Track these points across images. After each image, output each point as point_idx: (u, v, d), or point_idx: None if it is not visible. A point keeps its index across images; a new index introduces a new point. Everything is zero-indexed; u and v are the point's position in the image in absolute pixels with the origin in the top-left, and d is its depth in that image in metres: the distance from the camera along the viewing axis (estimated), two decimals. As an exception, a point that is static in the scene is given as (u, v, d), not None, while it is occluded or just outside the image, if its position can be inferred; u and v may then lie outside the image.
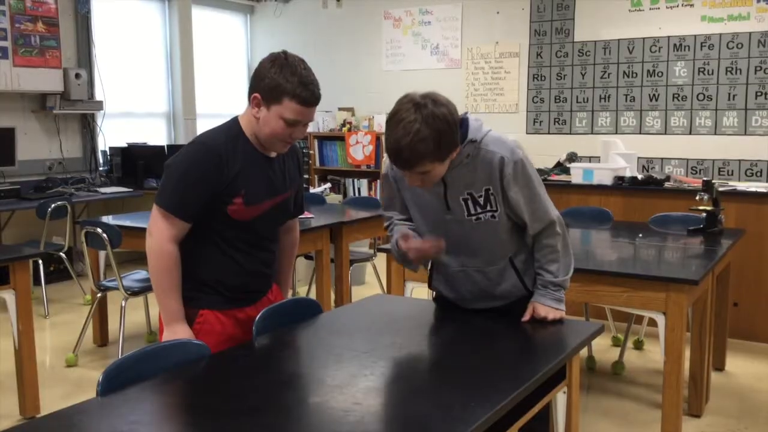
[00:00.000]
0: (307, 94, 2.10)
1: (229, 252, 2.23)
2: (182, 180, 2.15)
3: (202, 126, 7.81)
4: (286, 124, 2.12)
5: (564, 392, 2.12)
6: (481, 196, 2.19)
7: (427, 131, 1.95)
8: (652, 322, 3.11)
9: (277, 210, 2.32)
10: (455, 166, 2.13)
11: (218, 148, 2.15)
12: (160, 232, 2.15)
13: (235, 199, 2.17)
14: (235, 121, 2.24)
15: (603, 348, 4.50)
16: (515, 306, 2.32)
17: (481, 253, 2.28)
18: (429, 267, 2.47)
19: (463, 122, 2.12)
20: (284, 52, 2.14)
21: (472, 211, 2.21)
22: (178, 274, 2.17)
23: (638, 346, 4.53)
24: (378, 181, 7.70)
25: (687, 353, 3.24)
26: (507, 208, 2.21)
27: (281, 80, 2.08)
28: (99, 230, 4.07)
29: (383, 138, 7.53)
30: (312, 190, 6.56)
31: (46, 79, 6.17)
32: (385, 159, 2.28)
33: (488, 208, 2.20)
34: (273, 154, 2.28)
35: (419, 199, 2.26)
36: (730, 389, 3.89)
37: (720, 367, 4.15)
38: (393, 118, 2.01)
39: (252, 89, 2.15)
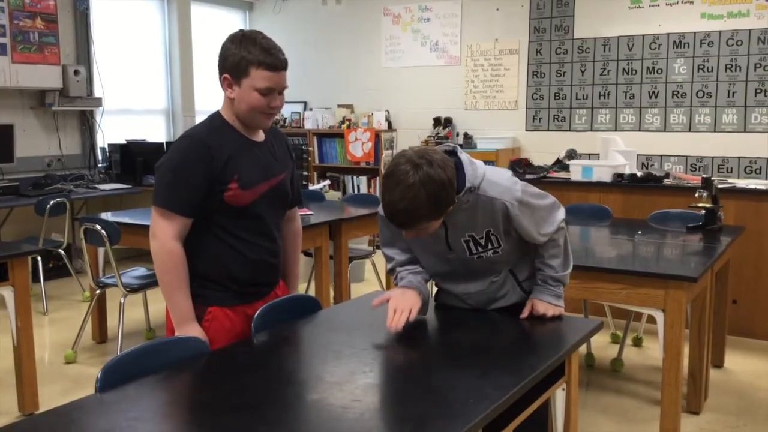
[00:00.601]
0: (272, 59, 2.14)
1: (231, 243, 2.23)
2: (175, 175, 2.16)
3: (201, 123, 7.80)
4: (261, 94, 2.15)
5: (563, 389, 2.12)
6: (482, 238, 2.20)
7: (423, 195, 1.94)
8: (651, 319, 3.11)
9: (275, 193, 2.32)
10: (455, 212, 2.11)
11: (204, 139, 2.17)
12: (162, 231, 2.14)
13: (230, 185, 2.18)
14: (216, 113, 2.27)
15: (602, 345, 4.50)
16: (515, 307, 2.33)
17: (482, 281, 2.31)
18: (435, 287, 2.50)
19: (458, 168, 2.08)
20: (241, 30, 2.20)
21: (474, 251, 2.22)
22: (185, 272, 2.17)
23: (637, 343, 4.53)
24: (377, 178, 7.70)
25: (686, 350, 3.24)
26: (516, 235, 2.21)
27: (244, 53, 2.12)
28: (98, 227, 4.07)
29: (383, 136, 7.55)
30: (311, 187, 6.56)
31: (44, 76, 6.16)
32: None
33: (489, 246, 2.22)
34: (260, 138, 2.30)
35: (421, 239, 2.24)
36: (729, 386, 3.89)
37: (719, 364, 4.15)
38: (390, 179, 1.97)
39: (220, 72, 2.19)
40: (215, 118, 2.26)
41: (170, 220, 2.14)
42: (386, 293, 2.25)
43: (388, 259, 2.38)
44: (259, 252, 2.29)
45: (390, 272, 2.41)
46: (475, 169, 2.13)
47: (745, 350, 4.44)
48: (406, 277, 2.30)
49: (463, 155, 2.14)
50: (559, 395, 2.11)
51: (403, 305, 2.15)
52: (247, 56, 2.12)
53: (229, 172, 2.17)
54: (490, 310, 2.36)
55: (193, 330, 2.15)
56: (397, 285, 2.33)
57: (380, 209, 2.22)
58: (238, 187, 2.19)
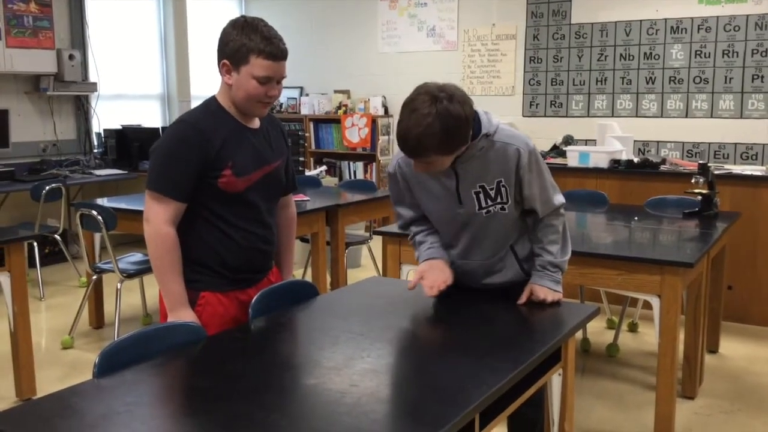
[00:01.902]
0: (273, 48, 2.12)
1: (225, 229, 2.22)
2: (169, 159, 2.15)
3: (197, 108, 7.76)
4: (259, 83, 2.14)
5: (559, 374, 2.12)
6: (492, 189, 2.20)
7: (437, 126, 1.96)
8: (647, 305, 3.12)
9: (269, 180, 2.31)
10: (468, 159, 2.14)
11: (199, 123, 2.17)
12: (156, 216, 2.14)
13: (224, 171, 2.17)
14: (212, 98, 2.26)
15: (597, 330, 4.52)
16: (512, 287, 2.33)
17: (487, 247, 2.31)
18: None
19: (474, 117, 2.12)
20: (243, 16, 2.18)
21: (483, 205, 2.22)
22: (178, 257, 2.16)
23: (632, 328, 4.55)
24: (374, 164, 7.68)
25: (681, 336, 3.25)
26: (519, 197, 2.23)
27: (245, 40, 2.11)
28: (94, 212, 4.06)
29: (379, 121, 7.53)
30: (308, 173, 6.54)
31: (39, 61, 6.12)
32: (393, 157, 2.31)
33: (498, 200, 2.22)
34: (255, 125, 2.29)
35: (431, 193, 2.27)
36: (724, 371, 3.92)
37: (714, 349, 4.17)
38: (407, 107, 2.01)
39: (219, 57, 2.17)
40: (211, 103, 2.24)
41: (164, 204, 2.13)
42: (418, 271, 2.29)
43: (399, 216, 2.41)
44: (252, 239, 2.28)
45: (402, 228, 2.45)
46: (490, 119, 2.18)
47: (740, 335, 4.46)
48: (426, 241, 2.34)
49: (479, 108, 2.17)
50: (555, 380, 2.12)
51: (436, 280, 2.22)
52: (248, 43, 2.10)
53: (224, 158, 2.17)
54: (484, 287, 2.37)
55: (185, 315, 2.15)
56: (415, 247, 2.39)
57: (389, 168, 2.31)
58: (232, 174, 2.18)
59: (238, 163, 2.19)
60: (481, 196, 2.21)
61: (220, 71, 2.19)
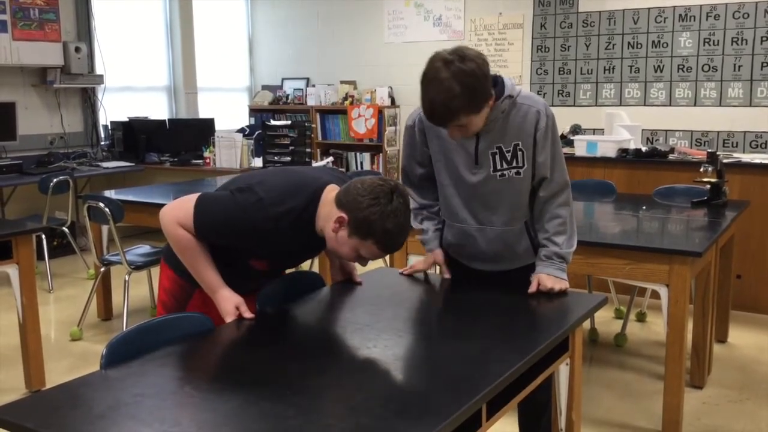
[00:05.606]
0: (393, 244, 2.02)
1: (229, 276, 2.18)
2: (226, 222, 2.05)
3: (203, 100, 7.77)
4: (358, 257, 2.06)
5: (567, 364, 2.12)
6: (509, 151, 2.22)
7: (457, 88, 1.98)
8: (655, 295, 3.11)
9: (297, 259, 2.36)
10: (490, 120, 2.16)
11: (273, 235, 2.03)
12: (175, 217, 2.09)
13: (264, 258, 2.19)
14: (313, 209, 2.06)
15: (605, 320, 4.51)
16: (519, 273, 2.33)
17: (501, 212, 2.30)
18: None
19: (498, 81, 2.17)
20: (390, 190, 1.96)
21: (499, 167, 2.24)
22: (200, 248, 2.11)
23: (640, 318, 4.54)
24: (380, 155, 7.67)
25: (689, 325, 3.24)
26: (532, 162, 2.24)
27: (375, 217, 1.94)
28: (101, 204, 4.07)
29: (386, 112, 7.51)
30: (314, 164, 6.54)
31: (45, 53, 6.13)
32: (413, 112, 2.35)
33: (514, 164, 2.23)
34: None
35: (448, 152, 2.28)
36: (732, 361, 3.90)
37: (722, 338, 4.16)
38: (425, 78, 2.05)
39: (343, 208, 1.98)
40: (309, 216, 2.05)
41: (190, 225, 2.09)
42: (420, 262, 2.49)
43: (405, 174, 2.45)
44: (254, 284, 2.26)
45: (404, 180, 2.46)
46: (513, 84, 2.22)
47: (749, 325, 4.44)
48: (429, 230, 2.45)
49: (505, 76, 2.22)
50: (562, 370, 2.12)
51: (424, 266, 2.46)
52: (376, 225, 1.94)
53: (273, 254, 2.17)
54: (493, 267, 2.38)
55: (226, 295, 2.10)
56: (414, 218, 2.42)
57: (408, 121, 2.36)
58: (268, 263, 2.21)
59: (281, 259, 2.22)
60: (497, 157, 2.23)
61: (334, 215, 2.00)
